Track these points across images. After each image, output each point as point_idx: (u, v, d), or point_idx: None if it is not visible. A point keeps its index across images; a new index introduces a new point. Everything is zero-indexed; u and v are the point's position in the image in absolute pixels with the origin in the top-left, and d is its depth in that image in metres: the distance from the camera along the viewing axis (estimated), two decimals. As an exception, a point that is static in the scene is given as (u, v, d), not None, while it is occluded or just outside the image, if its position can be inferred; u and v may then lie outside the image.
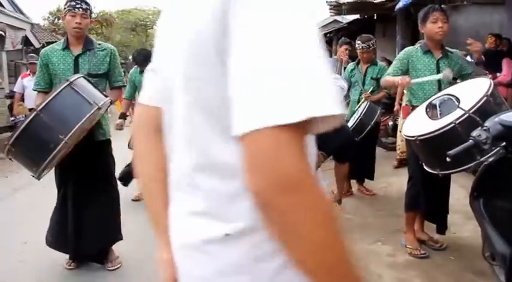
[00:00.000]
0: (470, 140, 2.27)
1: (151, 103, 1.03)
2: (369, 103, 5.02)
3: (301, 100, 0.64)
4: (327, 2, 10.70)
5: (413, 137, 3.04)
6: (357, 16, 12.61)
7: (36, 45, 14.47)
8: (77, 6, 3.22)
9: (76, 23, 3.21)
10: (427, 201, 3.57)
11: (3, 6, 12.73)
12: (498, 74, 6.45)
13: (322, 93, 0.66)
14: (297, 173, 0.65)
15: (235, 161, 0.73)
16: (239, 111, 0.67)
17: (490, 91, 2.78)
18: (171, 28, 0.91)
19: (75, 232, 3.31)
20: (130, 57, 29.41)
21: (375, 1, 9.31)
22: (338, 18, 15.13)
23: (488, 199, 2.51)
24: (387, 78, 3.80)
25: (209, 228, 0.84)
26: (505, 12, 8.45)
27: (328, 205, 0.71)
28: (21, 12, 14.20)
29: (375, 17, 11.46)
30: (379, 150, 5.60)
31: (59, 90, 2.88)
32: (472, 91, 2.88)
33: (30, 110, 7.31)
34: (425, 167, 3.16)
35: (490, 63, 6.63)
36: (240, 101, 0.67)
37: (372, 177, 5.43)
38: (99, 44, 3.42)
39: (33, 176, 2.97)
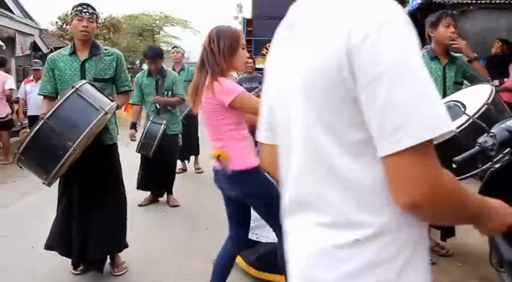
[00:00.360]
0: (477, 147, 2.26)
1: (272, 142, 1.20)
2: None
3: (430, 122, 0.83)
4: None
5: None
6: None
7: (45, 50, 14.59)
8: (84, 10, 3.26)
9: (83, 26, 3.25)
10: None
11: (12, 12, 12.85)
12: (506, 80, 6.41)
13: (442, 116, 0.85)
14: (436, 181, 0.86)
15: (362, 176, 0.92)
16: (383, 137, 0.85)
17: (491, 98, 2.76)
18: (285, 69, 1.06)
19: (79, 238, 3.31)
20: (137, 62, 29.62)
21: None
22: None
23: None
24: None
25: (339, 236, 0.95)
26: (512, 17, 8.43)
27: (457, 187, 0.91)
28: (30, 18, 14.31)
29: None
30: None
31: (66, 97, 2.89)
32: (474, 98, 2.87)
33: (31, 117, 7.35)
34: None
35: (496, 68, 6.62)
36: (382, 127, 0.85)
37: None
38: (106, 49, 3.44)
39: (44, 183, 2.98)
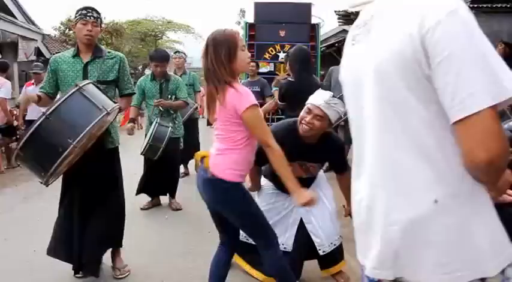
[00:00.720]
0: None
1: None
2: None
3: (497, 89, 1.00)
4: (335, 11, 10.74)
5: None
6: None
7: (47, 55, 14.65)
8: (88, 14, 3.25)
9: (87, 30, 3.24)
10: None
11: (15, 18, 12.92)
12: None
13: (505, 86, 1.00)
14: (505, 140, 1.02)
15: (438, 144, 1.09)
16: (456, 104, 1.02)
17: None
18: (358, 61, 1.24)
19: (79, 241, 3.30)
20: (140, 67, 29.65)
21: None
22: (346, 27, 15.17)
23: (498, 205, 2.48)
24: None
25: (421, 200, 1.12)
26: (514, 20, 8.43)
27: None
28: (33, 23, 14.39)
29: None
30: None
31: (68, 94, 2.87)
32: None
33: (29, 121, 7.23)
34: None
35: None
36: (456, 97, 1.01)
37: None
38: (109, 52, 3.44)
39: (41, 182, 2.94)
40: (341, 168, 3.15)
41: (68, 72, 3.29)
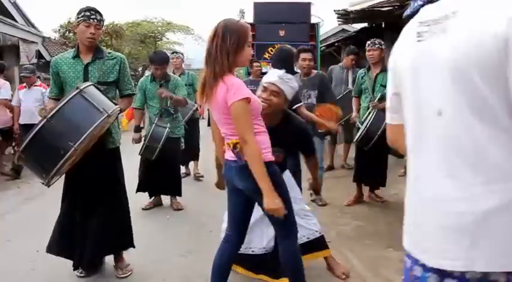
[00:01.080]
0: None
1: (398, 122, 1.47)
2: (375, 112, 4.94)
3: None
4: (334, 10, 10.73)
5: None
6: (365, 25, 12.61)
7: (48, 58, 14.63)
8: (92, 17, 3.24)
9: (90, 33, 3.24)
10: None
11: (15, 20, 12.92)
12: None
13: None
14: None
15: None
16: None
17: None
18: (423, 58, 1.27)
19: (81, 239, 3.32)
20: (140, 69, 29.66)
21: (382, 9, 9.32)
22: (346, 27, 15.16)
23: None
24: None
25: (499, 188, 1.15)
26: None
27: None
28: (33, 26, 14.37)
29: (383, 26, 11.46)
30: (390, 158, 5.54)
31: (69, 97, 2.89)
32: None
33: (23, 126, 7.13)
34: None
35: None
36: None
37: (383, 184, 5.39)
38: (109, 53, 3.45)
39: (43, 183, 2.96)
40: (306, 150, 3.26)
41: (68, 73, 3.30)
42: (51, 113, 2.80)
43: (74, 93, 2.90)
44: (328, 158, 7.59)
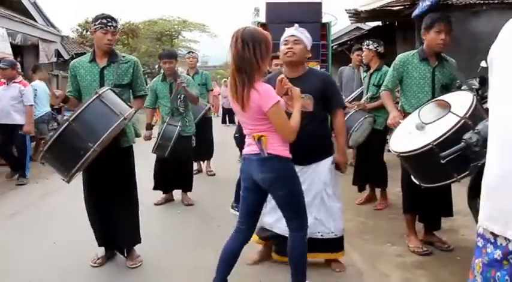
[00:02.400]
0: (462, 142, 2.40)
1: None
2: (355, 111, 5.09)
3: None
4: (346, 10, 10.84)
5: (396, 152, 3.22)
6: (379, 23, 12.69)
7: (66, 56, 15.01)
8: (109, 24, 3.48)
9: (108, 39, 3.49)
10: (417, 204, 3.76)
11: (35, 21, 13.28)
12: None
13: None
14: None
15: None
16: None
17: (472, 107, 2.90)
18: None
19: (106, 228, 3.68)
20: (156, 66, 30.02)
21: (393, 9, 9.42)
22: (360, 25, 15.23)
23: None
24: (385, 99, 3.92)
25: None
26: (524, 16, 8.44)
27: None
28: (53, 26, 14.74)
29: (396, 24, 11.54)
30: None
31: (89, 102, 3.15)
32: (458, 103, 3.01)
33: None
34: (413, 179, 3.30)
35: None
36: None
37: (380, 185, 5.37)
38: (123, 56, 3.68)
39: (64, 180, 3.23)
40: (334, 100, 3.36)
41: (85, 77, 3.55)
42: (73, 117, 3.07)
43: (94, 97, 3.16)
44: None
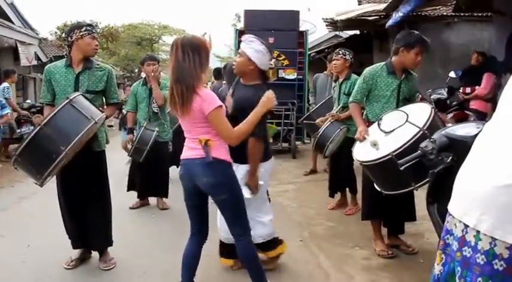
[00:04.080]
0: (419, 150, 2.56)
1: None
2: (331, 122, 5.20)
3: None
4: (322, 19, 11.06)
5: (359, 161, 3.43)
6: (356, 32, 12.95)
7: (44, 59, 14.91)
8: (93, 30, 3.68)
9: (95, 45, 3.69)
10: (380, 210, 3.92)
11: (13, 23, 13.16)
12: (477, 87, 6.72)
13: None
14: None
15: None
16: None
17: (430, 119, 3.09)
18: None
19: (80, 230, 3.75)
20: (136, 70, 29.91)
21: (368, 18, 9.66)
22: (339, 33, 15.49)
23: (440, 204, 2.79)
24: (354, 111, 4.03)
25: None
26: (492, 29, 8.77)
27: None
28: (31, 28, 14.62)
29: (372, 33, 11.80)
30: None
31: (60, 107, 3.23)
32: (417, 114, 3.20)
33: None
34: (376, 186, 3.47)
35: (471, 77, 6.95)
36: None
37: (351, 191, 5.50)
38: (98, 65, 3.78)
39: (36, 183, 3.29)
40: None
41: (60, 82, 3.63)
42: (44, 121, 3.14)
43: (65, 103, 3.24)
44: (312, 162, 7.90)
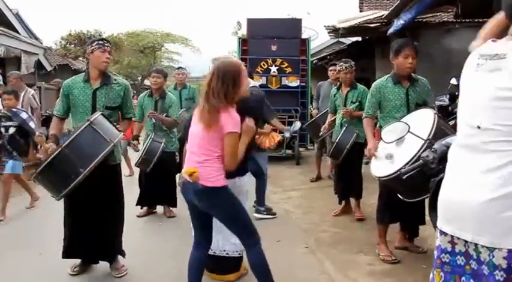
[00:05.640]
0: (421, 160, 2.67)
1: None
2: (346, 127, 5.34)
3: None
4: (324, 26, 11.16)
5: (376, 177, 3.62)
6: (358, 38, 13.04)
7: (48, 68, 15.07)
8: (105, 44, 3.76)
9: (106, 57, 3.75)
10: (395, 214, 4.01)
11: (18, 33, 13.32)
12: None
13: None
14: None
15: None
16: None
17: (434, 127, 3.20)
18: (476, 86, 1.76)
19: (90, 242, 3.78)
20: (139, 78, 30.11)
21: (370, 25, 9.75)
22: (341, 39, 15.59)
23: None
24: (366, 127, 4.18)
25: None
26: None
27: None
28: (36, 38, 14.79)
29: (374, 39, 11.88)
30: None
31: (81, 129, 3.39)
32: (421, 123, 3.31)
33: None
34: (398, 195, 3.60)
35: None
36: None
37: (357, 197, 5.54)
38: (115, 80, 3.89)
39: (54, 197, 3.49)
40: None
41: (78, 97, 3.75)
42: (66, 143, 3.32)
43: (86, 125, 3.40)
44: (316, 168, 7.97)
